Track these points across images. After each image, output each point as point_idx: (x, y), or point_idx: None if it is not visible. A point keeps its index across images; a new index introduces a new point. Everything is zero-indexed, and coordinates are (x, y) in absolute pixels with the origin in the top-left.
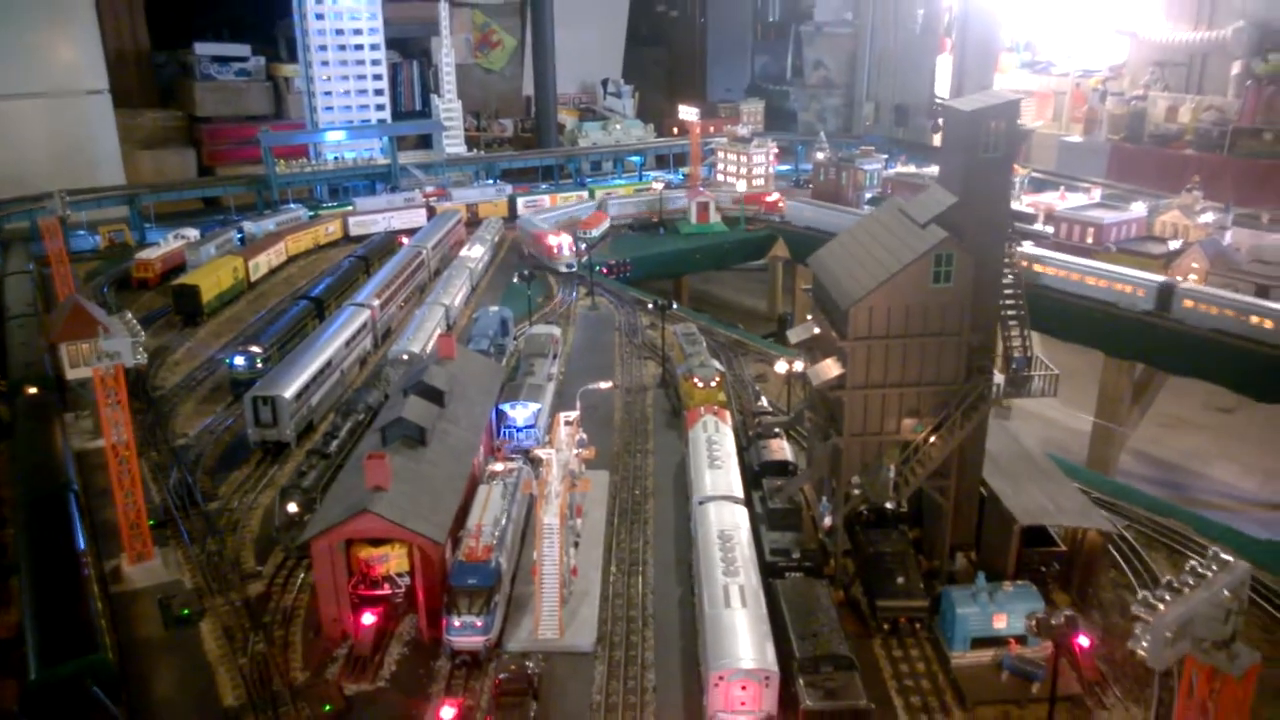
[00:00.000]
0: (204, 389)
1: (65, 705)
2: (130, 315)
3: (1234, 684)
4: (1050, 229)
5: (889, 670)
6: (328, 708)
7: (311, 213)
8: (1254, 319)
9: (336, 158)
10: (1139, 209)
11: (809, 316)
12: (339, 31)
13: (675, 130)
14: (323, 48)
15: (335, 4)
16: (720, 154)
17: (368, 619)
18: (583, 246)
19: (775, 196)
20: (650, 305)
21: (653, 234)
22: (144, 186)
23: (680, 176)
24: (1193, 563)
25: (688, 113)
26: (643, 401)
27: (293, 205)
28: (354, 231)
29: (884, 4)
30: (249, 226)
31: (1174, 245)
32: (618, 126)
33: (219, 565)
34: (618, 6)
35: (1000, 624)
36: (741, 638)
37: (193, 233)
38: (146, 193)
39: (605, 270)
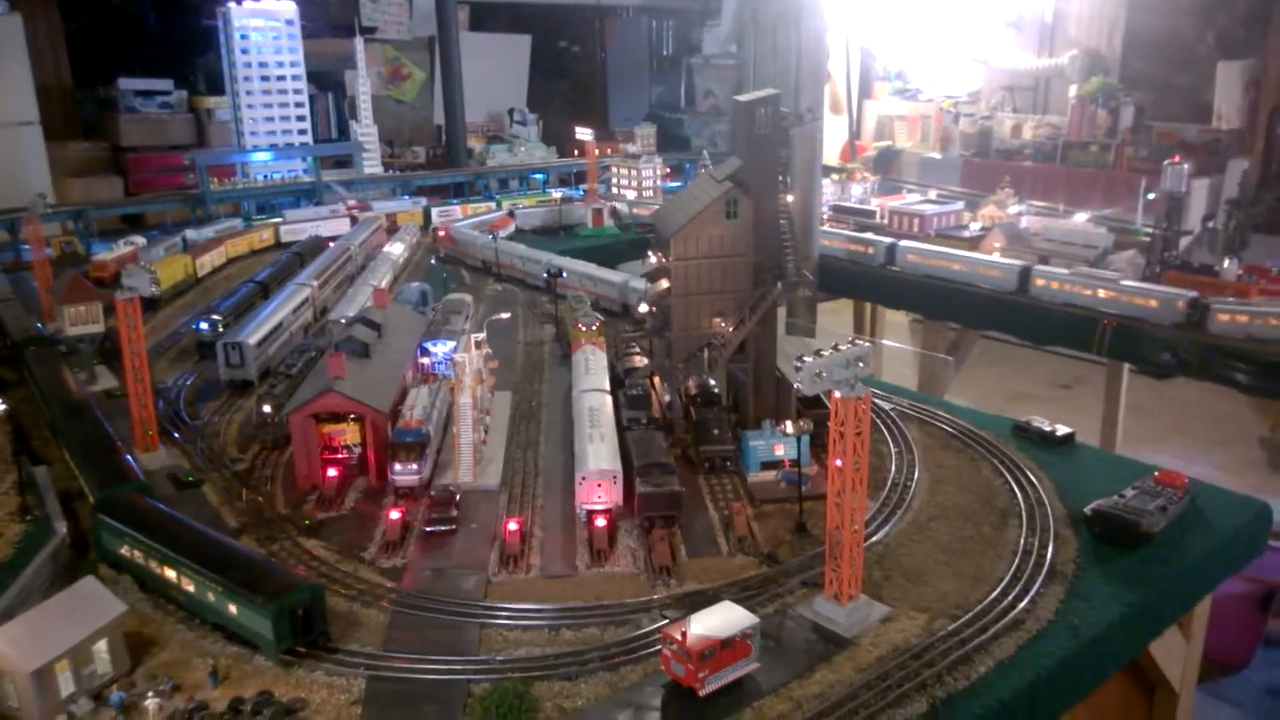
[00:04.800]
0: (172, 353)
1: (131, 509)
2: (145, 262)
3: (855, 403)
4: (885, 220)
5: (706, 490)
6: (306, 522)
7: (246, 223)
8: (1092, 292)
9: (266, 177)
10: (957, 205)
11: (648, 251)
12: (263, 64)
13: (576, 152)
14: (248, 78)
15: (259, 39)
16: (614, 170)
17: (331, 473)
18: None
19: (442, 233)
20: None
21: (554, 237)
22: (90, 204)
23: (580, 192)
24: (837, 343)
25: (584, 133)
26: (540, 351)
27: (224, 219)
28: (285, 239)
29: (764, 38)
30: (190, 234)
31: (976, 229)
32: (522, 148)
33: (210, 455)
34: (520, 43)
35: (779, 452)
36: (598, 454)
37: (140, 240)
38: (93, 208)
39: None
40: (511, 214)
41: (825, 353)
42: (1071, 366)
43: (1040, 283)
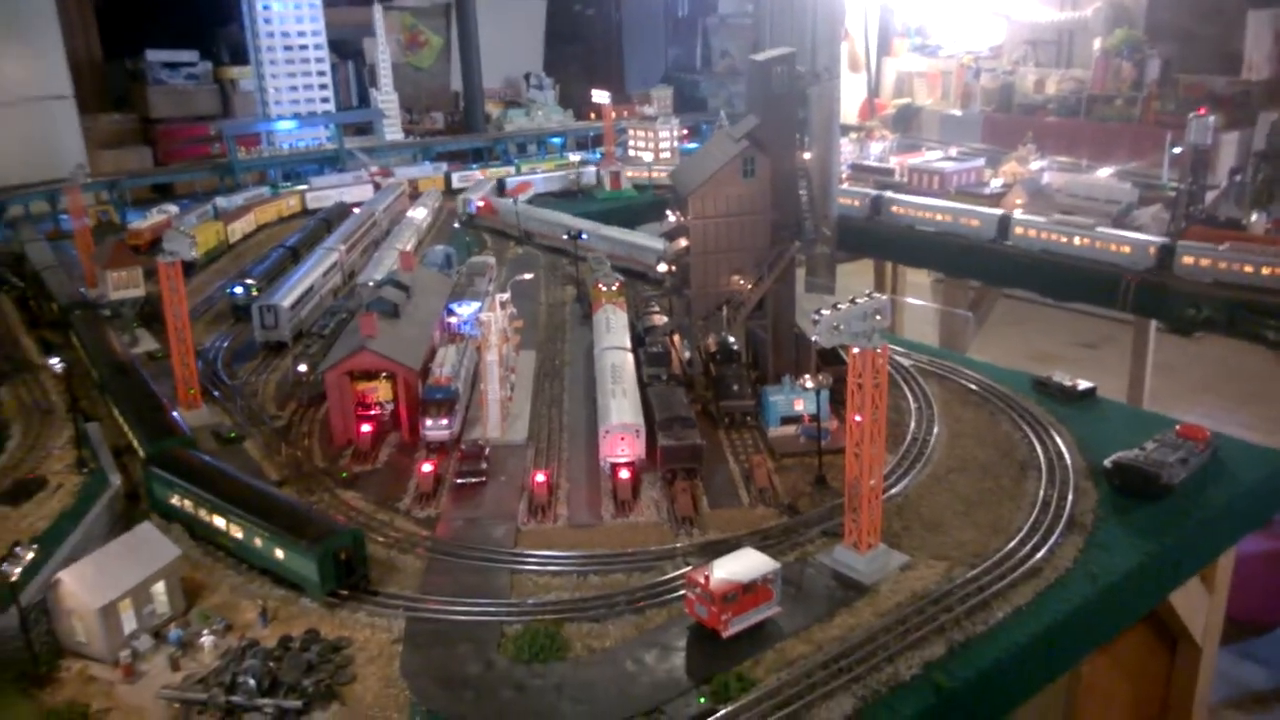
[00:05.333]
0: (208, 316)
1: (181, 462)
2: (185, 229)
3: (872, 355)
4: (905, 178)
5: (727, 444)
6: (344, 475)
7: (273, 190)
8: (1068, 239)
9: (290, 145)
10: (978, 162)
11: (667, 211)
12: (285, 34)
13: (593, 115)
14: (271, 49)
15: (280, 9)
16: (631, 133)
17: (365, 428)
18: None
19: (483, 203)
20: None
21: (572, 199)
22: (124, 173)
23: (598, 155)
24: (855, 296)
25: (600, 96)
26: (562, 312)
27: (251, 188)
28: (311, 205)
29: None
30: (220, 202)
31: (997, 185)
32: (539, 113)
33: (249, 412)
34: (536, 7)
35: (799, 407)
36: (621, 409)
37: (173, 208)
38: (126, 178)
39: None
40: (501, 184)
41: (842, 306)
42: (1098, 325)
43: (1019, 230)
